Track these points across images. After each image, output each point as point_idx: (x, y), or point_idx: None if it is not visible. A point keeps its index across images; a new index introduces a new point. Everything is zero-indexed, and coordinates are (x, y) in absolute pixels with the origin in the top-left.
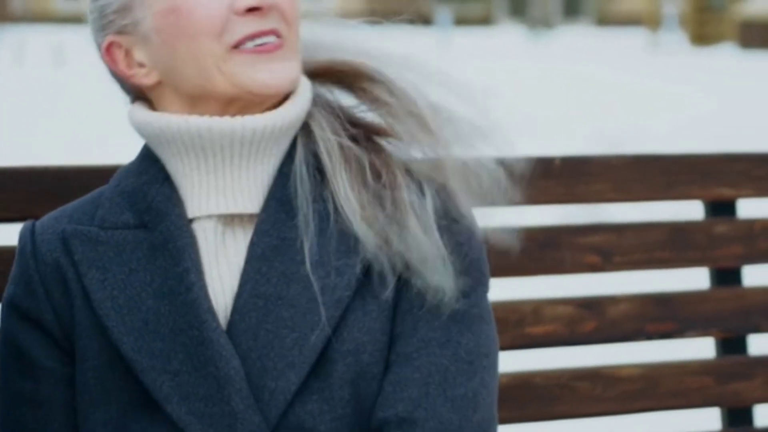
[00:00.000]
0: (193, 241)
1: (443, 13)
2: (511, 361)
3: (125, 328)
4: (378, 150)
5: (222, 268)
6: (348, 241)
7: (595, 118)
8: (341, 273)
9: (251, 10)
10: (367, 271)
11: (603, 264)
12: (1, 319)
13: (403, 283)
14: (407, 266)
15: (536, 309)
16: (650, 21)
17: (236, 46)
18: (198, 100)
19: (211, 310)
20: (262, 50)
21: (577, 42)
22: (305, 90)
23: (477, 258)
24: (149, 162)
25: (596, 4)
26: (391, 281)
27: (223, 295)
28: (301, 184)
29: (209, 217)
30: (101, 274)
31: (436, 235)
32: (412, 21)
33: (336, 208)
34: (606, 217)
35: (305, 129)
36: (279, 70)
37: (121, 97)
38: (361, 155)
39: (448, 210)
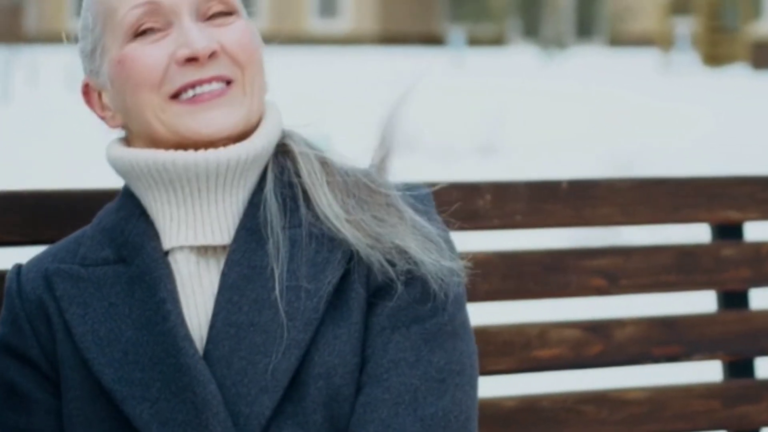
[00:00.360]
0: (168, 273)
1: (456, 34)
2: (518, 385)
3: (106, 360)
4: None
5: (198, 298)
6: (322, 261)
7: (608, 138)
8: (311, 296)
9: (190, 60)
10: (338, 291)
11: (609, 287)
12: None
13: (373, 303)
14: (407, 255)
15: (542, 332)
16: (662, 41)
17: (176, 95)
18: (155, 143)
19: (187, 337)
20: (199, 100)
21: (590, 62)
22: (273, 121)
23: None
24: (126, 198)
25: (609, 25)
26: (392, 276)
27: (199, 324)
28: (270, 212)
29: (183, 248)
30: (82, 309)
31: (430, 225)
32: (425, 41)
33: (310, 233)
34: (615, 240)
35: (281, 152)
36: (216, 117)
37: None
38: (343, 167)
39: (429, 210)
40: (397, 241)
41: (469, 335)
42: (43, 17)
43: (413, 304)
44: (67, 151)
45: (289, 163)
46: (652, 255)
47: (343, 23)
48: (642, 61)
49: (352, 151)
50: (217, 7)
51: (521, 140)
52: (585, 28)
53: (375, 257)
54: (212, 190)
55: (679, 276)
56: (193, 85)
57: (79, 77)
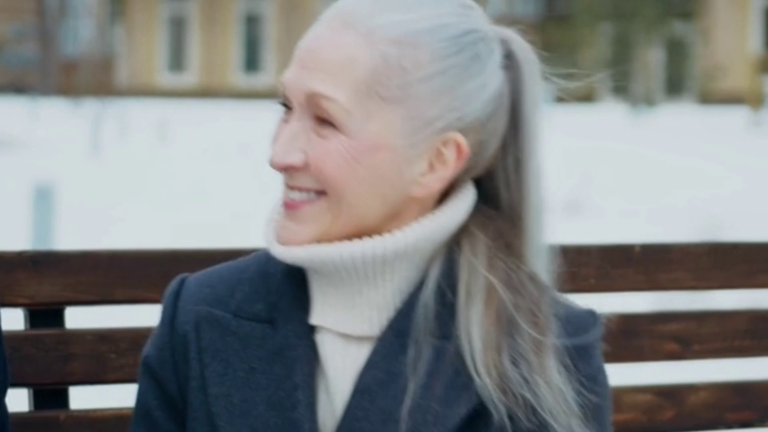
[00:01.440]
0: (308, 353)
1: (545, 90)
2: None
3: (233, 430)
4: (535, 288)
5: (332, 385)
6: (461, 386)
7: (697, 198)
8: (439, 422)
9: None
10: (473, 422)
11: (682, 352)
12: (139, 375)
13: None
14: (534, 414)
15: (615, 397)
16: (752, 99)
17: None
18: None
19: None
20: (284, 205)
21: (679, 120)
22: (443, 216)
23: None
24: None
25: (699, 82)
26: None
27: (332, 415)
28: (424, 317)
29: (330, 330)
30: (223, 367)
31: (571, 390)
32: None
33: (457, 349)
34: (691, 304)
35: (457, 251)
36: (285, 229)
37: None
38: (506, 297)
39: (583, 368)
40: (527, 395)
41: None
42: (134, 71)
43: None
44: (156, 204)
45: (457, 267)
46: (726, 320)
47: None
48: (731, 119)
49: None
50: (322, 113)
51: (608, 199)
52: (675, 85)
53: (498, 409)
54: (354, 281)
55: (753, 341)
56: (285, 188)
57: (172, 128)
